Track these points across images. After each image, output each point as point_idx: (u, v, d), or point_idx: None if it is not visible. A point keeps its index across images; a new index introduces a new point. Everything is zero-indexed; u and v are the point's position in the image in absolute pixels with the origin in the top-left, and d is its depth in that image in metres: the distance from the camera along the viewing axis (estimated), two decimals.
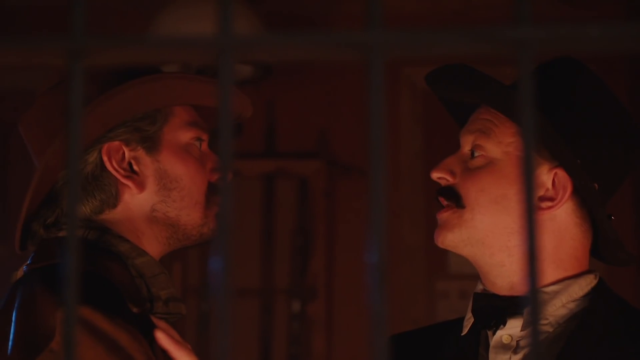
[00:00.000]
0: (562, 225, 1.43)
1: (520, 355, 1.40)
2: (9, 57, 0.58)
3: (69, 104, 0.56)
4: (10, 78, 3.42)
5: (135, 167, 1.48)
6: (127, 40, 0.56)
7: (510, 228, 1.40)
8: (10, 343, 1.33)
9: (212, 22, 3.03)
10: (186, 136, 1.51)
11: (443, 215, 1.45)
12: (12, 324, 1.34)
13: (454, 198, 1.43)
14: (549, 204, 1.41)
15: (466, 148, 1.47)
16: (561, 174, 1.41)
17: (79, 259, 0.56)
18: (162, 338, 1.34)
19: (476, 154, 1.45)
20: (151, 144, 1.49)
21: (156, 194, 1.48)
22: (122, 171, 1.47)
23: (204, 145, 1.54)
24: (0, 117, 3.45)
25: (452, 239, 1.43)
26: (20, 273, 1.44)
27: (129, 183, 1.47)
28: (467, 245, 1.43)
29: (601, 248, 1.48)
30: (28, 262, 1.45)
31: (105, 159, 1.47)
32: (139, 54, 0.57)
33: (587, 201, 1.42)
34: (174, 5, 3.13)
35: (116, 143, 1.47)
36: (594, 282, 1.44)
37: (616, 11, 3.53)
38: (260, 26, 3.16)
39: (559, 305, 1.41)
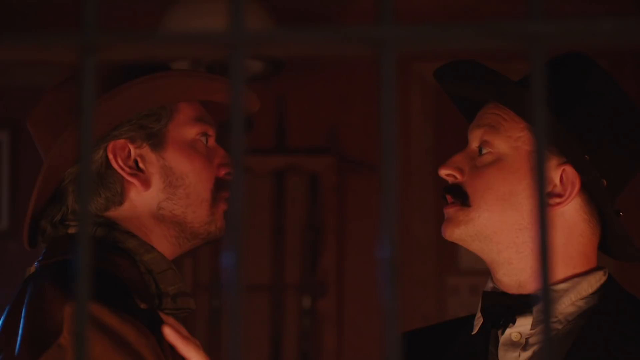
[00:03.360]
0: (571, 222, 1.42)
1: (529, 353, 1.40)
2: (20, 53, 0.58)
3: (81, 99, 0.57)
4: (21, 74, 3.42)
5: (140, 165, 1.48)
6: (139, 36, 0.56)
7: (518, 224, 1.40)
8: (19, 338, 1.33)
9: (223, 18, 3.03)
10: (191, 132, 1.51)
11: (449, 210, 1.45)
12: (21, 320, 1.35)
13: (461, 197, 1.43)
14: (558, 200, 1.41)
15: (474, 144, 1.46)
16: (569, 170, 1.41)
17: (91, 256, 0.56)
18: (170, 334, 1.34)
19: (484, 151, 1.44)
20: (156, 141, 1.49)
21: (162, 191, 1.48)
22: (127, 169, 1.47)
23: (211, 141, 1.54)
24: (11, 113, 3.45)
25: (460, 234, 1.43)
26: (32, 269, 1.45)
27: (135, 181, 1.47)
28: (474, 240, 1.43)
29: (610, 244, 1.48)
30: (39, 258, 1.45)
31: (110, 156, 1.47)
32: (150, 50, 0.57)
33: (595, 197, 1.41)
34: (185, 1, 3.13)
35: (121, 141, 1.47)
36: (603, 279, 1.44)
37: (626, 6, 3.52)
38: (271, 22, 3.16)
39: (568, 303, 1.41)
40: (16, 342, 1.33)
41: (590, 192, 1.41)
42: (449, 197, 1.45)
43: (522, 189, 1.40)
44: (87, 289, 0.56)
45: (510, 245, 1.41)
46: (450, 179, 1.46)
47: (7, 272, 3.41)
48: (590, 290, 1.42)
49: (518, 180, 1.41)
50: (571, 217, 1.42)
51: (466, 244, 1.45)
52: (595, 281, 1.43)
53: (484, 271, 1.49)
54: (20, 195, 3.59)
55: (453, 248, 3.55)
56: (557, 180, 1.41)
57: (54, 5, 3.51)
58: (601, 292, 1.42)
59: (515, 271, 1.42)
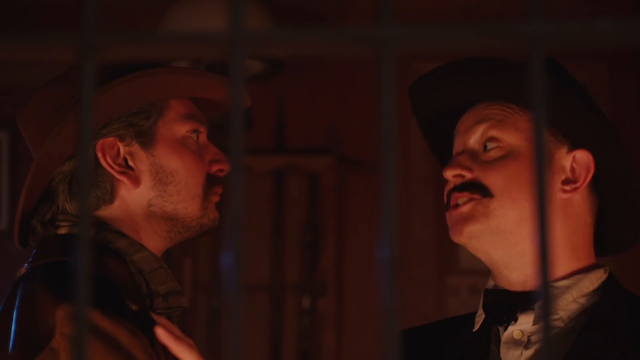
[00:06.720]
0: (579, 211, 1.43)
1: (531, 351, 1.40)
2: (20, 53, 0.58)
3: (81, 100, 0.57)
4: (21, 74, 3.42)
5: (130, 163, 1.48)
6: (139, 36, 0.56)
7: None
8: (11, 342, 1.33)
9: (222, 18, 3.03)
10: (182, 129, 1.50)
11: (464, 208, 1.42)
12: (13, 323, 1.34)
13: (480, 190, 1.41)
14: (574, 186, 1.41)
15: (472, 144, 1.45)
16: (580, 155, 1.41)
17: (91, 260, 0.56)
18: (162, 334, 1.33)
19: (490, 146, 1.43)
20: (146, 139, 1.48)
21: (152, 188, 1.48)
22: (116, 167, 1.47)
23: (202, 137, 1.53)
24: (11, 113, 3.45)
25: (480, 229, 1.40)
26: (23, 270, 1.44)
27: (124, 179, 1.47)
28: (493, 234, 1.40)
29: (609, 231, 1.48)
30: (29, 259, 1.45)
31: (99, 155, 1.46)
32: (150, 50, 0.57)
33: (618, 175, 1.42)
34: (184, 2, 3.13)
35: (110, 139, 1.47)
36: (604, 276, 1.44)
37: (626, 6, 3.52)
38: (271, 22, 3.16)
39: (570, 300, 1.41)
40: (8, 346, 1.33)
41: (608, 173, 1.42)
42: (465, 195, 1.42)
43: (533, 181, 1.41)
44: (86, 291, 0.56)
45: (527, 236, 1.39)
46: (457, 180, 1.44)
47: (7, 272, 3.40)
48: (592, 288, 1.42)
49: None
50: (579, 206, 1.43)
51: (481, 241, 1.41)
52: (596, 278, 1.43)
53: (484, 271, 1.49)
54: (19, 195, 3.58)
55: (453, 248, 3.54)
56: (568, 168, 1.42)
57: (54, 5, 3.51)
58: (602, 290, 1.43)
59: (526, 265, 1.41)
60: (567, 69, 1.49)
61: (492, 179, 1.41)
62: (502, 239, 1.40)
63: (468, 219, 1.41)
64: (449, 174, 1.44)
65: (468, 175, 1.43)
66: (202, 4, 3.09)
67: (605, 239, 1.49)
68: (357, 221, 3.59)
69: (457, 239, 1.43)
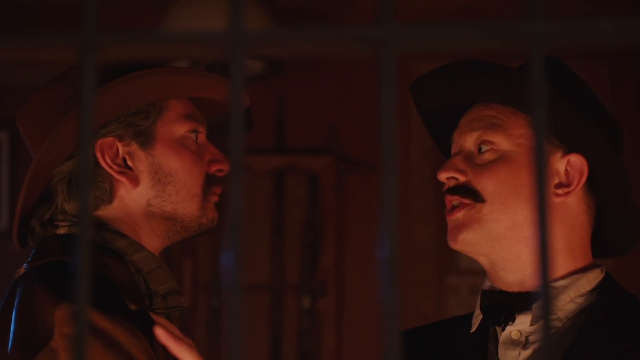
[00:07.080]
0: (574, 213, 1.43)
1: (529, 351, 1.40)
2: (20, 53, 0.58)
3: (81, 100, 0.57)
4: (21, 74, 3.42)
5: (129, 163, 1.48)
6: (139, 36, 0.56)
7: (530, 218, 1.40)
8: (10, 342, 1.33)
9: (222, 19, 3.03)
10: (181, 129, 1.50)
11: (458, 215, 1.43)
12: (12, 323, 1.34)
13: (472, 194, 1.42)
14: (566, 190, 1.42)
15: (468, 146, 1.46)
16: (574, 159, 1.42)
17: (91, 259, 0.56)
18: (161, 334, 1.33)
19: (484, 149, 1.44)
20: (145, 139, 1.48)
21: (151, 188, 1.48)
22: (115, 167, 1.47)
23: (201, 137, 1.53)
24: (11, 113, 3.45)
25: (474, 236, 1.42)
26: (22, 270, 1.44)
27: (123, 179, 1.47)
28: (488, 241, 1.41)
29: (606, 234, 1.48)
30: (28, 259, 1.45)
31: (98, 155, 1.46)
32: (150, 50, 0.57)
33: (612, 179, 1.42)
34: (184, 2, 3.13)
35: (109, 139, 1.47)
36: (601, 276, 1.45)
37: (626, 6, 3.52)
38: (271, 22, 3.16)
39: (568, 300, 1.42)
40: (7, 346, 1.33)
41: (601, 178, 1.43)
42: (456, 199, 1.44)
43: (532, 182, 1.40)
44: (86, 291, 0.56)
45: (521, 239, 1.40)
46: (451, 182, 1.45)
47: (7, 272, 3.41)
48: (589, 287, 1.43)
49: (528, 174, 1.41)
50: (573, 208, 1.43)
51: (479, 246, 1.43)
52: (593, 278, 1.44)
53: (484, 271, 1.49)
54: (19, 196, 3.58)
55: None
56: (562, 171, 1.42)
57: (54, 5, 3.51)
58: (599, 290, 1.43)
59: (523, 266, 1.42)
60: (570, 68, 1.49)
61: (484, 184, 1.42)
62: (497, 243, 1.41)
63: (462, 226, 1.43)
64: (442, 176, 1.45)
65: (461, 178, 1.44)
66: (202, 4, 3.09)
67: (605, 241, 1.50)
68: (357, 221, 3.59)
69: (453, 245, 1.45)
